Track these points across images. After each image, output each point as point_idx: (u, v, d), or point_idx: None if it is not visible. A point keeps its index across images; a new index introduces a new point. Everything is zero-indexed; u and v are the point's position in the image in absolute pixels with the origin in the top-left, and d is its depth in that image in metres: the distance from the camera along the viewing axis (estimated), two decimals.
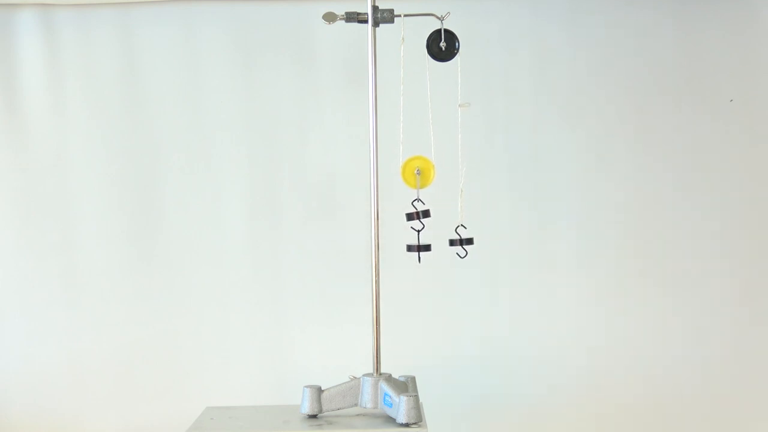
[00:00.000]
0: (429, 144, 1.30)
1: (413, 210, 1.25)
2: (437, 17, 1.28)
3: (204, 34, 1.73)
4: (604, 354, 1.76)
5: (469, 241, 1.27)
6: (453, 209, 1.33)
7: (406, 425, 1.21)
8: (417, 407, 1.22)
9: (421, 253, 1.27)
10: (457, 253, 1.25)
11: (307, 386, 1.29)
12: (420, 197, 1.25)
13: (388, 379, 1.28)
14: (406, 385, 1.32)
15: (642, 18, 1.74)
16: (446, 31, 1.29)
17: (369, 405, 1.27)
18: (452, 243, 1.28)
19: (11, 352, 1.75)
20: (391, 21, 1.29)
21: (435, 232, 1.27)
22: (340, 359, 1.70)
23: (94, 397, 1.75)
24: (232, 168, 1.75)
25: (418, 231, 1.25)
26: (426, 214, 1.26)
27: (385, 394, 1.25)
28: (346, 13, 1.28)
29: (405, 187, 1.28)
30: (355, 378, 1.30)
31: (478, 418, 1.76)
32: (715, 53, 1.74)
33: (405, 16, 1.28)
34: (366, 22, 1.28)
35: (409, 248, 1.28)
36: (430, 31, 1.29)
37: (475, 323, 1.76)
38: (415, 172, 1.27)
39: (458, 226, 1.28)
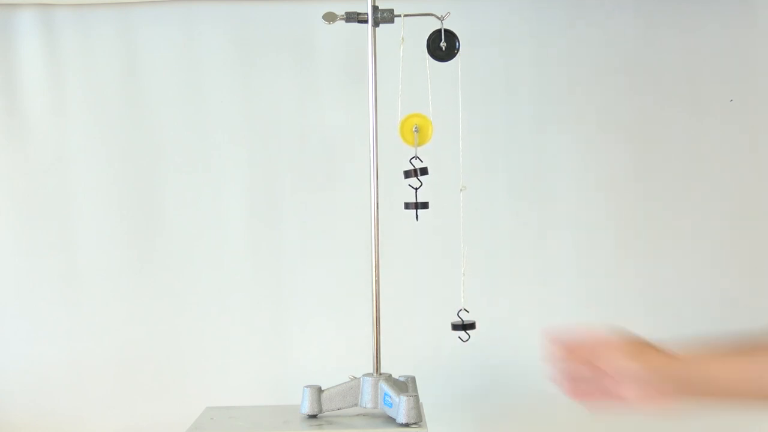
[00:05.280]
0: (428, 144, 1.30)
1: (411, 167, 1.26)
2: (437, 17, 1.28)
3: (204, 34, 1.73)
4: None
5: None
6: (452, 209, 1.33)
7: (406, 425, 1.21)
8: (417, 407, 1.22)
9: (418, 210, 1.27)
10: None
11: (307, 386, 1.29)
12: (418, 155, 1.26)
13: (388, 379, 1.28)
14: (406, 385, 1.32)
15: (642, 18, 1.73)
16: (446, 31, 1.29)
17: (369, 405, 1.27)
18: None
19: (11, 352, 1.75)
20: (391, 21, 1.29)
21: (433, 237, 1.26)
22: (340, 359, 1.70)
23: (94, 397, 1.75)
24: (232, 168, 1.75)
25: (416, 189, 1.25)
26: (424, 171, 1.26)
27: (385, 394, 1.25)
28: (346, 13, 1.28)
29: (405, 190, 1.28)
30: (355, 378, 1.30)
31: (478, 418, 1.76)
32: (715, 53, 1.74)
33: (405, 16, 1.28)
34: (366, 22, 1.28)
35: (407, 206, 1.28)
36: (430, 31, 1.29)
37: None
38: (413, 129, 1.27)
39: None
